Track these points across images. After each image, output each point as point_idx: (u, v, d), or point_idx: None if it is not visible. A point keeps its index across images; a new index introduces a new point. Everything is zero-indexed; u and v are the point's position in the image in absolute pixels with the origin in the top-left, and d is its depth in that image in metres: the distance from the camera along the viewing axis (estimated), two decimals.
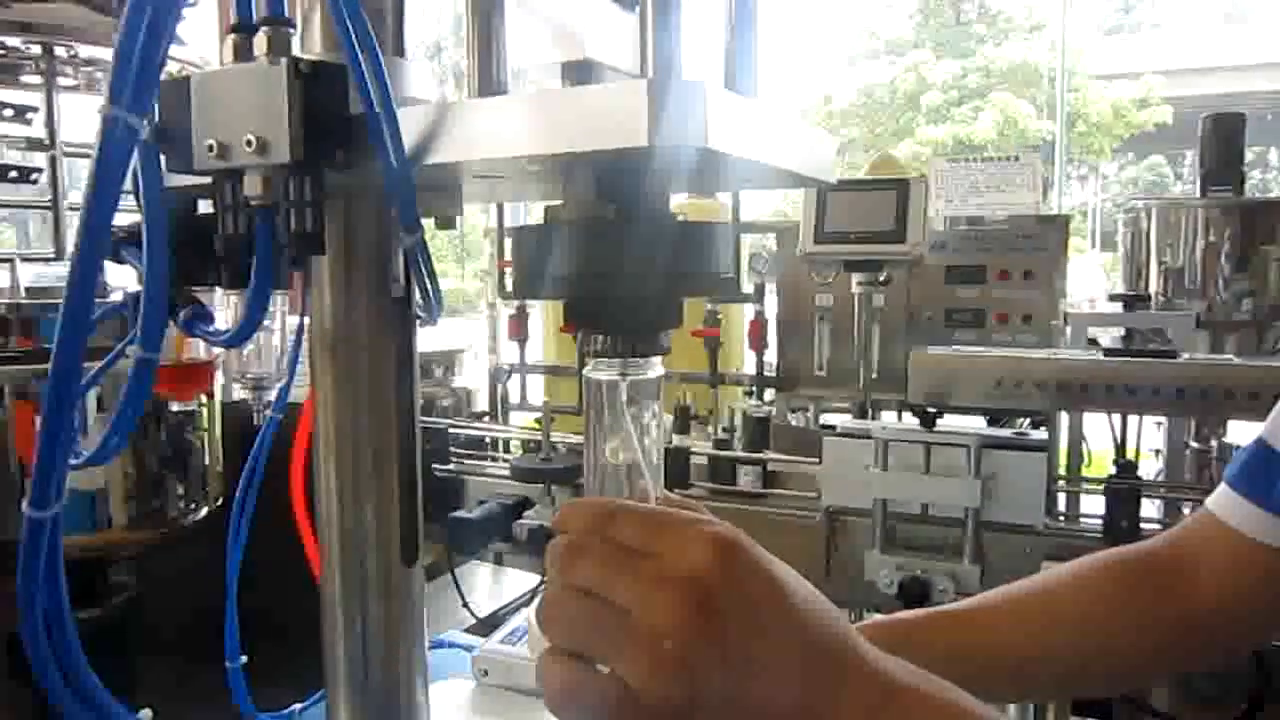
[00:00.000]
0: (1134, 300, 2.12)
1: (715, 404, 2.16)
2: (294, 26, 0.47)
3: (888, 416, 2.12)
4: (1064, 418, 2.06)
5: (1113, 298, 2.12)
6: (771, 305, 2.26)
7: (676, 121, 0.40)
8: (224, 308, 0.81)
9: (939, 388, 1.64)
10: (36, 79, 1.84)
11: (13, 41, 1.78)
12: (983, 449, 1.54)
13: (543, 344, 2.60)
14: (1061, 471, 1.96)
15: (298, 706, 0.82)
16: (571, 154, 0.41)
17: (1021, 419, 1.89)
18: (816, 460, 1.70)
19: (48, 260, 2.06)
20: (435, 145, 0.45)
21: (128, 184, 0.47)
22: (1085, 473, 1.92)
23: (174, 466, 2.13)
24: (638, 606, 0.43)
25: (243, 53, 0.47)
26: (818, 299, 2.20)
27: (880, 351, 2.11)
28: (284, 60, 0.44)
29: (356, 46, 0.43)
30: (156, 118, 0.47)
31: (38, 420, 0.45)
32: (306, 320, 0.53)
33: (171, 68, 0.49)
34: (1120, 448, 1.67)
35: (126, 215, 0.52)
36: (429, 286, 0.48)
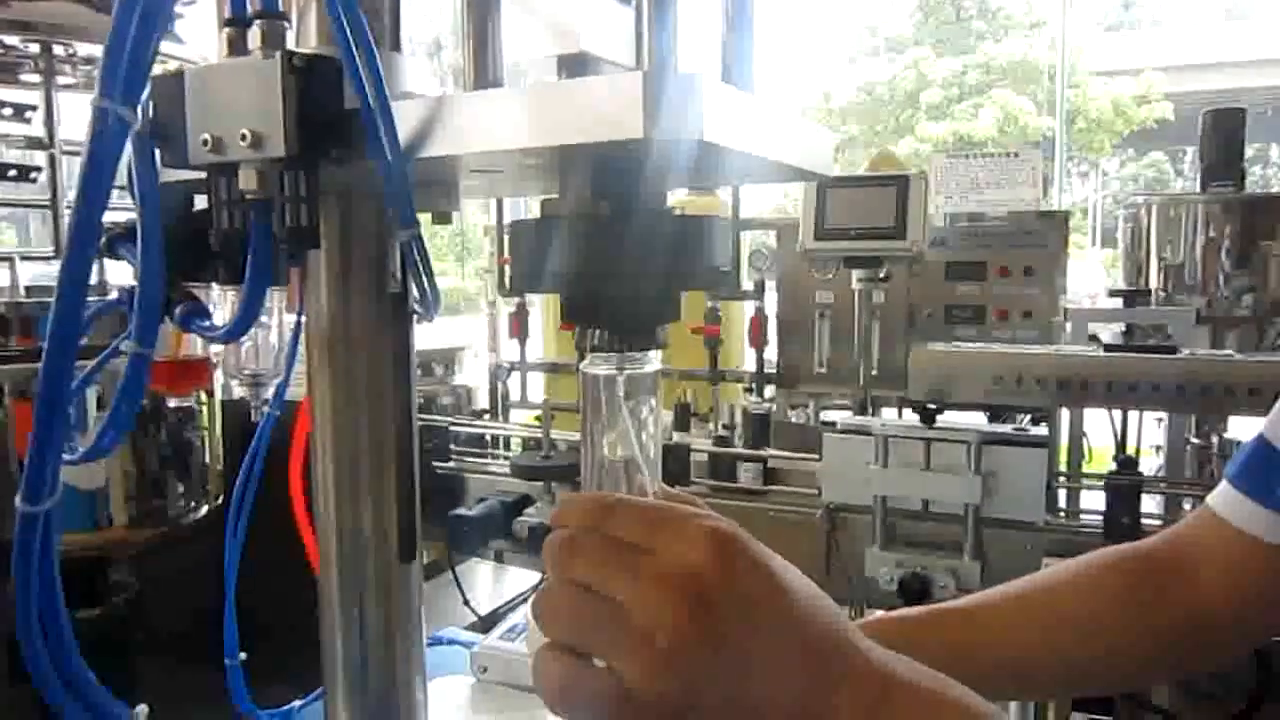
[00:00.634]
0: (1134, 296, 2.12)
1: (715, 401, 2.16)
2: (289, 21, 0.47)
3: (888, 413, 2.12)
4: (1064, 414, 2.06)
5: (1113, 293, 2.11)
6: (772, 302, 2.26)
7: (672, 114, 0.40)
8: (221, 304, 0.81)
9: (939, 384, 1.64)
10: (35, 78, 1.84)
11: (11, 40, 1.78)
12: (983, 445, 1.53)
13: (543, 341, 2.60)
14: (1062, 468, 1.96)
15: (297, 704, 0.82)
16: (567, 147, 0.40)
17: (1022, 415, 1.89)
18: (817, 457, 1.70)
19: (48, 259, 2.06)
20: (430, 139, 0.44)
21: (123, 179, 0.47)
22: (1086, 469, 1.92)
23: (174, 465, 2.13)
24: (634, 603, 0.43)
25: (237, 47, 0.46)
26: (818, 296, 2.19)
27: (880, 348, 2.11)
28: (278, 54, 0.44)
29: (351, 41, 0.43)
30: (151, 112, 0.47)
31: None
32: (304, 318, 0.53)
33: (171, 67, 0.49)
34: (1121, 444, 1.67)
35: (123, 213, 0.52)
36: (426, 283, 0.48)
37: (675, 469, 1.83)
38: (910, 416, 1.75)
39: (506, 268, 2.43)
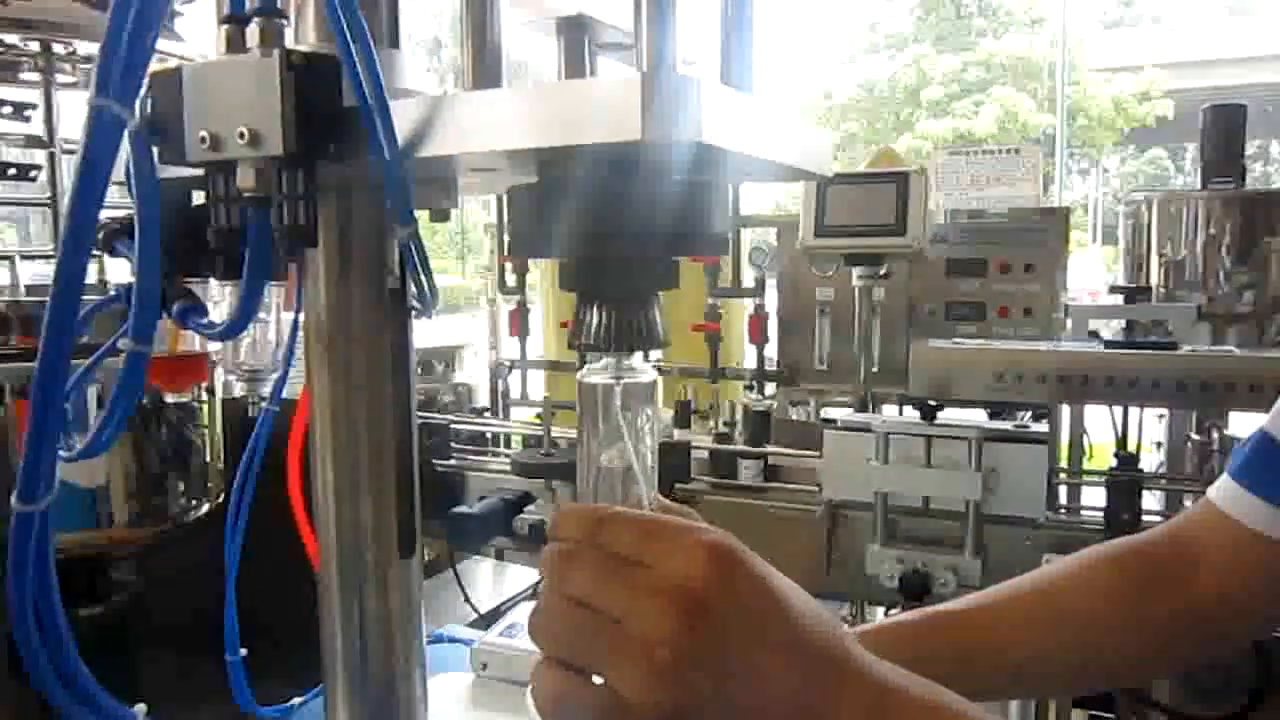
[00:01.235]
0: (1135, 292, 2.12)
1: (716, 399, 2.15)
2: (287, 18, 0.47)
3: (889, 410, 2.12)
4: (1065, 410, 2.06)
5: (1113, 290, 2.11)
6: (772, 299, 2.26)
7: (671, 115, 0.40)
8: (220, 300, 0.81)
9: (940, 381, 1.64)
10: (35, 76, 1.84)
11: (11, 39, 1.78)
12: (983, 442, 1.53)
13: (543, 339, 2.60)
14: (1063, 464, 1.96)
15: (297, 700, 0.82)
16: (565, 147, 0.41)
17: (1023, 412, 1.89)
18: (817, 454, 1.70)
19: (48, 258, 2.06)
20: (428, 138, 0.44)
21: (120, 175, 0.47)
22: (1086, 466, 1.92)
23: (175, 463, 2.13)
24: (629, 616, 0.43)
25: (235, 44, 0.46)
26: (818, 293, 2.19)
27: (881, 345, 2.11)
28: (276, 52, 0.44)
29: (349, 38, 0.43)
30: (149, 109, 0.47)
31: None
32: (302, 314, 0.53)
33: (171, 65, 0.49)
34: (1122, 440, 1.67)
35: (122, 209, 0.52)
36: (424, 279, 0.48)
37: (676, 466, 1.83)
38: (911, 413, 1.75)
39: (507, 265, 2.43)
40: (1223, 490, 0.74)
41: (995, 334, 2.06)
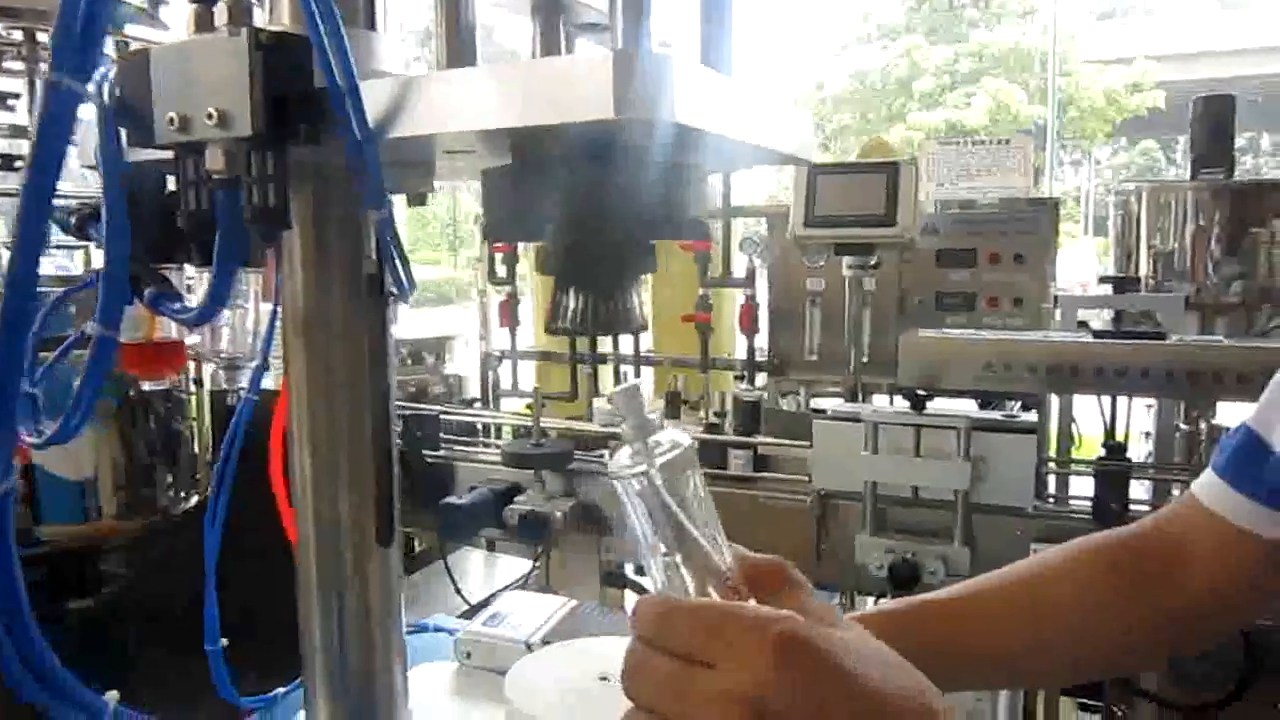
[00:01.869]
0: (1124, 283, 2.12)
1: (706, 389, 2.15)
2: None
3: (879, 400, 2.12)
4: (1054, 400, 2.06)
5: (1103, 280, 2.11)
6: (763, 290, 2.25)
7: (644, 94, 0.39)
8: (199, 287, 0.80)
9: (929, 371, 1.64)
10: (19, 65, 1.82)
11: None
12: (972, 431, 1.53)
13: (533, 330, 2.59)
14: (1051, 454, 1.96)
15: (280, 690, 0.82)
16: (538, 127, 0.40)
17: (1013, 402, 1.89)
18: (807, 444, 1.70)
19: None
20: (399, 119, 0.44)
21: (92, 159, 0.46)
22: (1075, 455, 1.92)
23: (163, 456, 2.12)
24: None
25: (204, 24, 0.46)
26: (809, 283, 2.19)
27: (871, 335, 2.11)
28: (244, 31, 0.43)
29: (318, 17, 0.42)
30: (118, 92, 0.46)
31: None
32: (279, 301, 0.53)
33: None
34: (1110, 430, 1.67)
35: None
36: (399, 265, 0.47)
37: None
38: (901, 403, 1.75)
39: (497, 256, 2.42)
40: (1207, 487, 0.74)
41: (985, 324, 2.06)
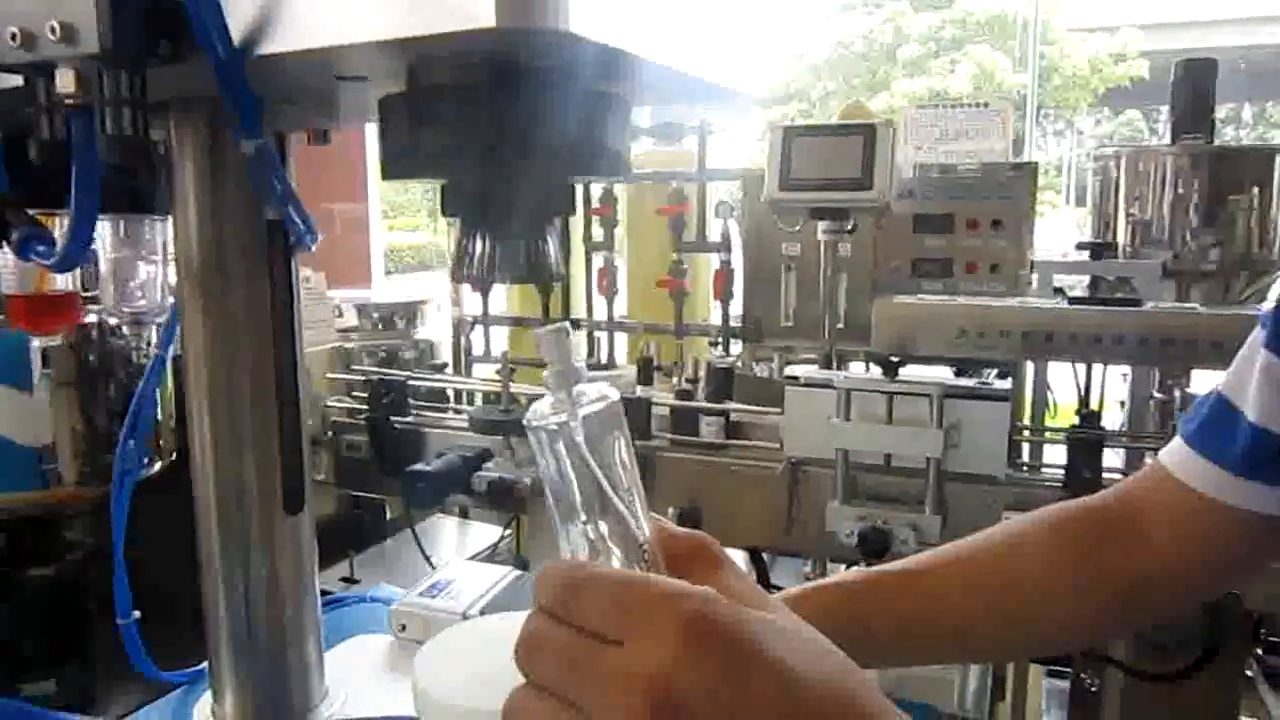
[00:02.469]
0: (1100, 249, 2.10)
1: (681, 355, 2.13)
2: None
3: (855, 368, 2.10)
4: (1029, 368, 2.05)
5: (1080, 246, 2.09)
6: (738, 255, 2.22)
7: (530, 1, 0.34)
8: (110, 235, 0.75)
9: (903, 337, 1.61)
10: None
11: None
12: (945, 399, 1.52)
13: (505, 295, 2.56)
14: (1025, 422, 1.95)
15: (206, 664, 0.79)
16: (413, 39, 0.35)
17: (988, 370, 1.87)
18: (779, 411, 1.68)
19: None
20: (265, 34, 0.38)
21: None
22: (1049, 423, 1.91)
23: (124, 422, 2.07)
24: (598, 711, 0.38)
25: None
26: (784, 248, 2.16)
27: (847, 302, 2.08)
28: None
29: None
30: None
31: None
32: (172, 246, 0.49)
33: None
34: (1084, 398, 1.66)
35: None
36: (286, 203, 0.43)
37: (637, 423, 1.80)
38: (876, 370, 1.73)
39: None
40: (1175, 454, 0.71)
41: (962, 291, 2.04)
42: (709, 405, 1.83)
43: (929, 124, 2.25)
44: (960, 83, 17.41)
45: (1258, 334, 0.67)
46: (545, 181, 0.41)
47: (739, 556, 2.19)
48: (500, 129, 0.39)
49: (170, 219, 0.47)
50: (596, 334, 2.32)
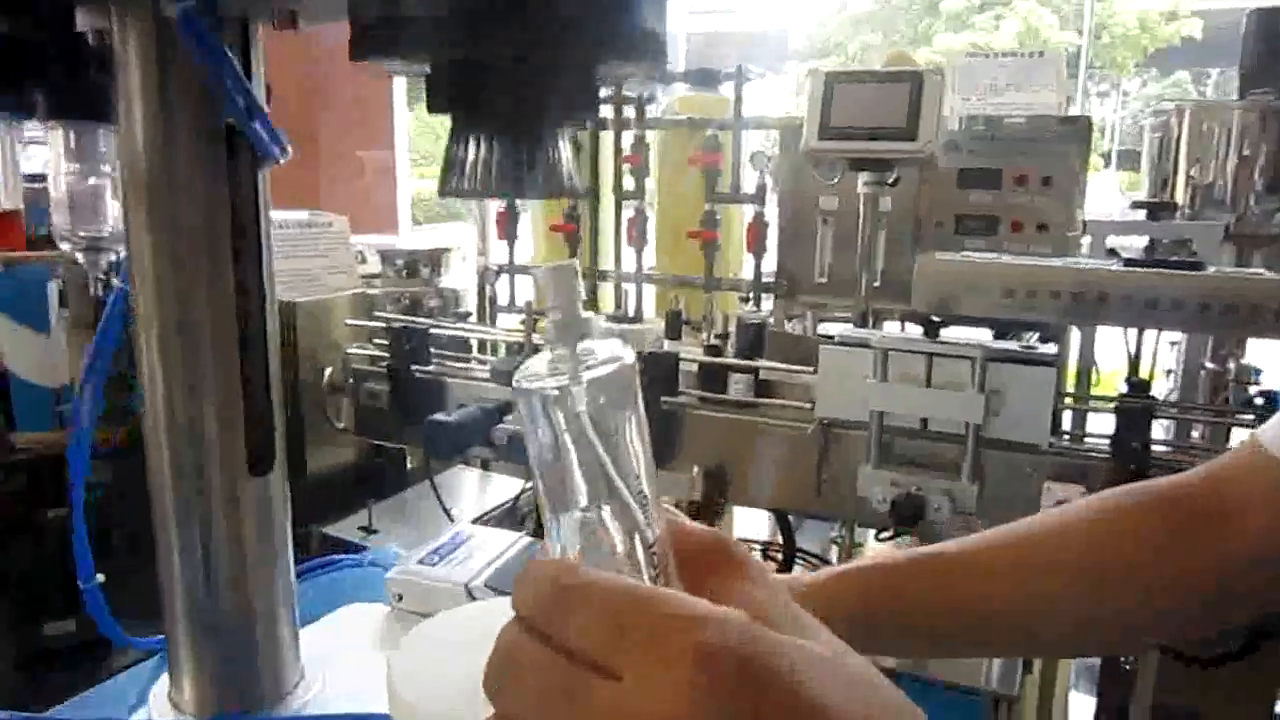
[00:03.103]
0: (1158, 209, 2.00)
1: (710, 309, 2.06)
2: None
3: (891, 328, 2.02)
4: (1074, 333, 1.96)
5: (1135, 205, 1.99)
6: (773, 207, 2.14)
7: None
8: (55, 144, 0.69)
9: (945, 295, 1.53)
10: None
11: None
12: (988, 362, 1.44)
13: (532, 243, 2.49)
14: (1069, 389, 1.87)
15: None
16: None
17: (1030, 333, 1.79)
18: (812, 370, 1.62)
19: None
20: None
21: None
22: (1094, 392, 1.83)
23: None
24: None
25: None
26: (821, 202, 2.07)
27: (885, 259, 2.00)
28: None
29: None
30: None
31: None
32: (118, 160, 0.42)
33: None
34: (1134, 365, 1.58)
35: None
36: (243, 101, 0.37)
37: (663, 379, 1.74)
38: (913, 330, 1.65)
39: None
40: (1276, 430, 0.63)
41: (1007, 250, 1.95)
42: (739, 362, 1.77)
43: (978, 74, 2.14)
44: (1004, 39, 16.96)
45: None
46: (557, 63, 0.34)
47: (764, 519, 2.14)
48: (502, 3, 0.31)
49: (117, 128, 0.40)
50: (624, 286, 2.25)
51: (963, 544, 0.65)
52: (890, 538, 1.93)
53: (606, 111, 2.18)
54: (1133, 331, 1.58)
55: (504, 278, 2.43)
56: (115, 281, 0.53)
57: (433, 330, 2.06)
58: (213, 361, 0.41)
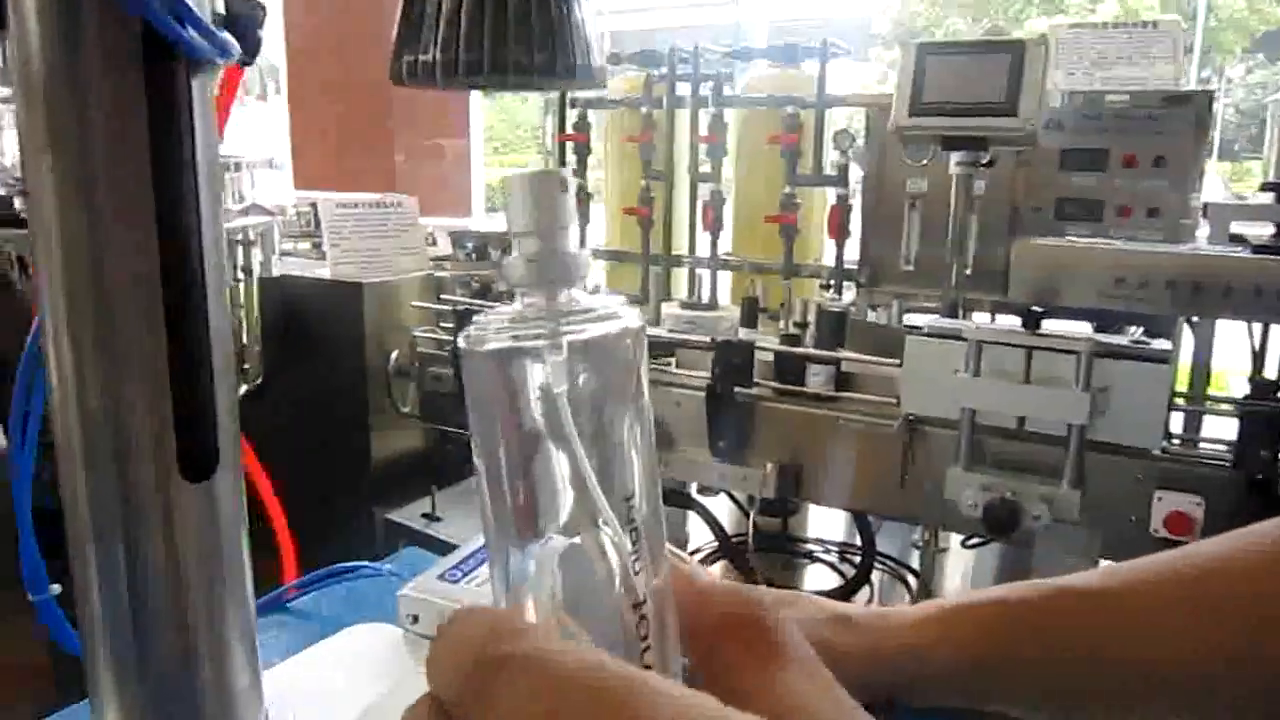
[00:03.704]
0: None
1: (788, 296, 1.95)
2: None
3: (978, 319, 1.89)
4: (1186, 329, 1.81)
5: (1265, 187, 1.82)
6: (856, 190, 2.03)
7: None
8: None
9: (1047, 284, 1.41)
10: None
11: None
12: (1095, 357, 1.32)
13: (605, 228, 2.42)
14: (1179, 389, 1.72)
15: None
16: None
17: (1133, 327, 1.65)
18: (897, 362, 1.51)
19: None
20: None
21: None
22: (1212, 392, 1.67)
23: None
24: None
25: None
26: (909, 184, 1.94)
27: (977, 246, 1.86)
28: None
29: None
30: None
31: None
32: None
33: None
34: (1259, 365, 1.44)
35: None
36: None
37: (738, 368, 1.65)
38: (1006, 321, 1.53)
39: (567, 146, 2.24)
40: None
41: (1112, 237, 1.80)
42: (818, 352, 1.66)
43: (1083, 46, 1.99)
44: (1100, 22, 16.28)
45: None
46: None
47: (839, 518, 2.03)
48: None
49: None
50: (699, 272, 2.16)
51: (1110, 577, 0.53)
52: (979, 544, 1.81)
53: (683, 89, 2.09)
54: (1257, 326, 1.44)
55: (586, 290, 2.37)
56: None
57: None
58: (131, 334, 0.32)
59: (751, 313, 1.89)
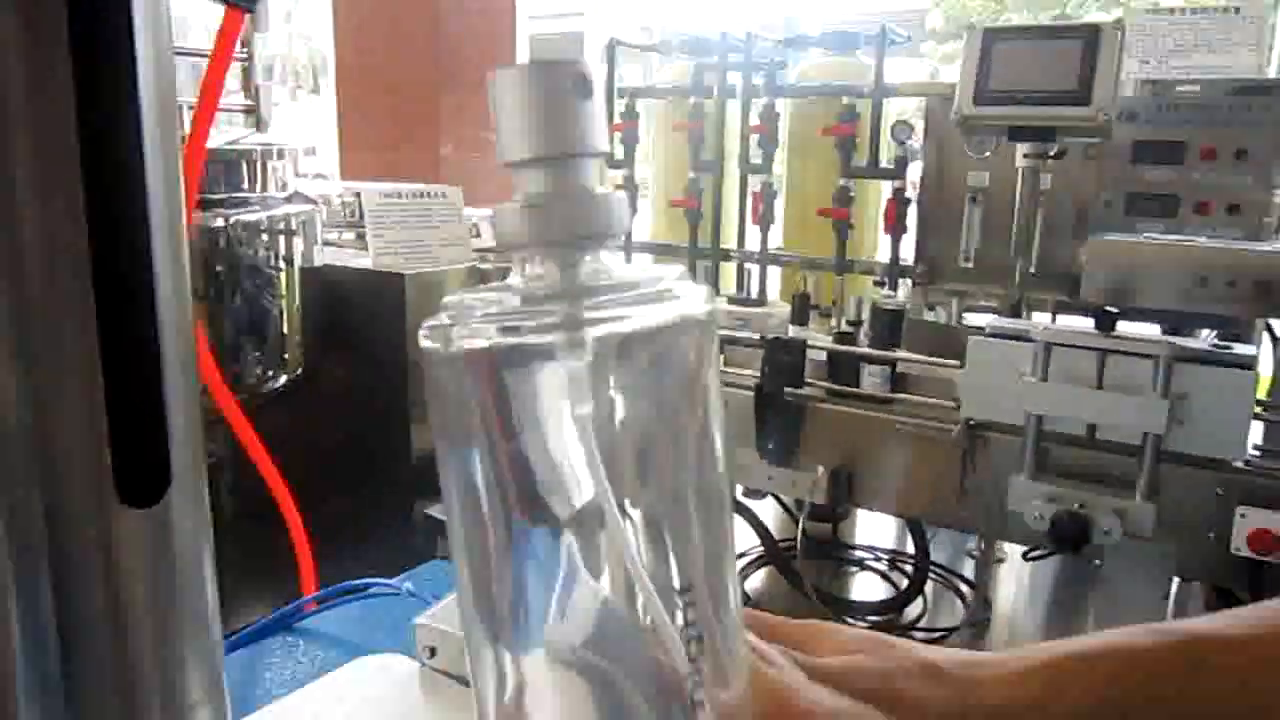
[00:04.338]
0: None
1: (841, 293, 1.88)
2: None
3: (1040, 319, 1.80)
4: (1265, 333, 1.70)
5: None
6: (914, 184, 1.94)
7: None
8: None
9: (1122, 283, 1.33)
10: None
11: None
12: (1174, 362, 1.23)
13: (652, 220, 2.36)
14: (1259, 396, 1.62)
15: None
16: None
17: (1206, 330, 1.56)
18: (957, 364, 1.43)
19: None
20: None
21: None
22: None
23: (251, 334, 2.02)
24: None
25: None
26: (969, 178, 1.86)
27: (1041, 243, 1.78)
28: None
29: None
30: None
31: None
32: None
33: None
34: None
35: None
36: None
37: (789, 367, 1.59)
38: (1066, 323, 1.45)
39: (617, 135, 2.19)
40: None
41: (1187, 235, 1.70)
42: (873, 352, 1.59)
43: (1159, 33, 1.89)
44: None
45: None
46: None
47: (889, 523, 1.96)
48: None
49: None
50: (748, 266, 2.10)
51: (1232, 625, 0.46)
52: (1040, 557, 1.72)
53: (734, 77, 2.02)
54: None
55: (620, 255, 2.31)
56: None
57: None
58: (51, 320, 0.26)
59: (803, 310, 1.82)
